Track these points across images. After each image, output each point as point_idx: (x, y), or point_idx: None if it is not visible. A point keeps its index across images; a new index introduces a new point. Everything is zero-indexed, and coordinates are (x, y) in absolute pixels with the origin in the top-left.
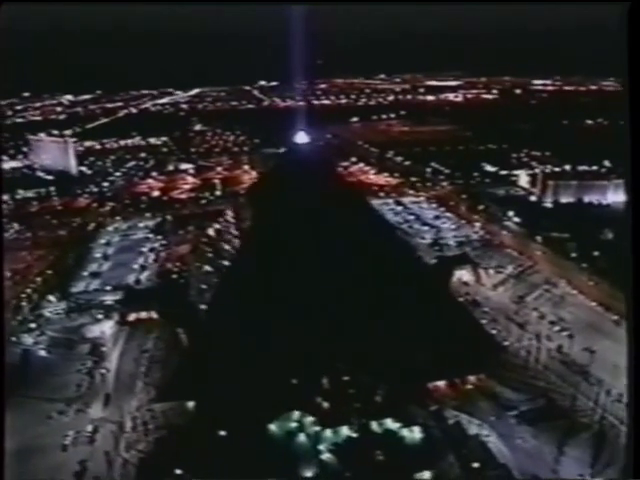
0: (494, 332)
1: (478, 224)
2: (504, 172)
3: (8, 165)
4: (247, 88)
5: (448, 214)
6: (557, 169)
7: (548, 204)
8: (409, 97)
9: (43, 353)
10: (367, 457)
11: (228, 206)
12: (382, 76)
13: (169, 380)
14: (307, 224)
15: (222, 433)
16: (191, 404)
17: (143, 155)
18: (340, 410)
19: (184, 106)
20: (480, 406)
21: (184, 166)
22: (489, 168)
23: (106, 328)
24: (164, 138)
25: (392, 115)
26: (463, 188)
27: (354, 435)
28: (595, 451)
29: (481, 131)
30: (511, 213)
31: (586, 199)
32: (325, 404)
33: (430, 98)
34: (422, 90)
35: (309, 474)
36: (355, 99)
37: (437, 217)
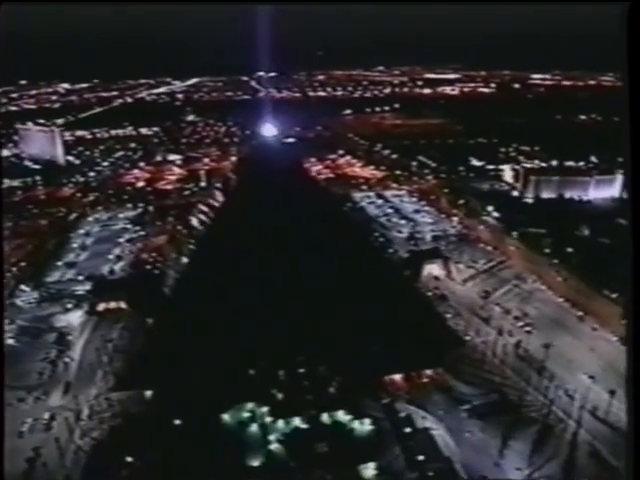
0: (457, 327)
1: (456, 218)
2: (490, 167)
3: None
4: (245, 79)
5: (428, 208)
6: (544, 164)
7: (529, 199)
8: (405, 90)
9: (10, 341)
10: (313, 448)
11: (206, 198)
12: (381, 68)
13: (129, 369)
14: (271, 217)
15: (177, 422)
16: (149, 393)
17: (133, 145)
18: (293, 402)
19: (180, 96)
20: (433, 400)
21: (172, 157)
22: (475, 162)
23: (74, 318)
24: (155, 128)
25: (386, 108)
26: (446, 182)
27: (303, 426)
28: (539, 445)
29: (473, 125)
30: (490, 208)
31: (567, 195)
32: (279, 395)
33: (426, 91)
34: (420, 83)
35: (256, 463)
36: (351, 91)
37: (417, 211)
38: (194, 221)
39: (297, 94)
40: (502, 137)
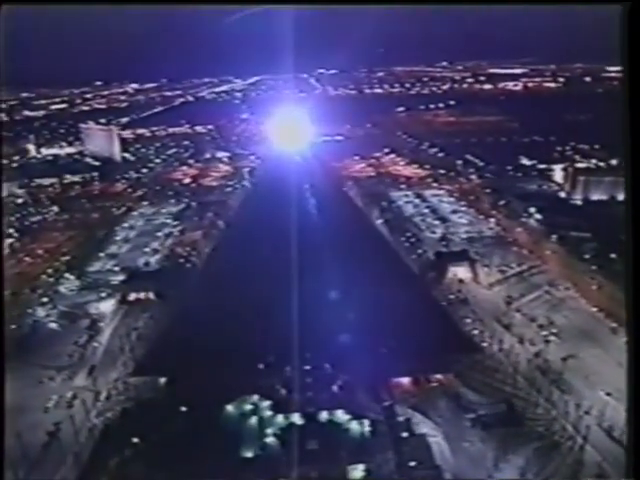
0: (474, 332)
1: (495, 220)
2: (541, 166)
3: (64, 151)
4: (304, 76)
5: (466, 208)
6: (602, 164)
7: (577, 201)
8: (465, 86)
9: (50, 325)
10: (306, 445)
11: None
12: (444, 64)
13: (147, 357)
14: (299, 215)
15: (183, 409)
16: (163, 380)
17: (186, 143)
18: (295, 398)
19: (238, 94)
20: (438, 405)
21: (220, 154)
22: (525, 162)
23: (107, 306)
24: (210, 126)
25: (440, 105)
26: (489, 182)
27: (299, 423)
28: (540, 462)
29: (530, 122)
30: (533, 209)
31: (620, 197)
32: (283, 391)
33: (487, 87)
34: (482, 79)
35: (249, 455)
36: (408, 88)
37: (455, 211)
38: (229, 217)
39: (353, 91)
40: (560, 135)
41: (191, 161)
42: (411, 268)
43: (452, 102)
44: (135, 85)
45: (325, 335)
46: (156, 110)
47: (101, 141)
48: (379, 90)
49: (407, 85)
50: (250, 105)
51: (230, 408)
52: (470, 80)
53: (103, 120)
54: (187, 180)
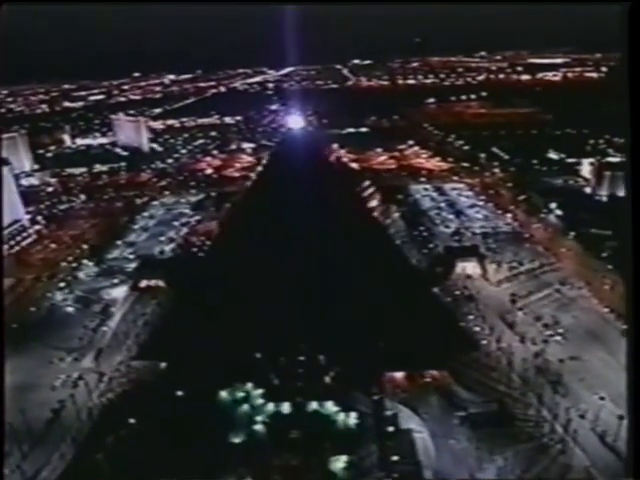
0: (476, 329)
1: (512, 215)
2: (570, 160)
3: (97, 142)
4: (338, 67)
5: (484, 203)
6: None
7: (602, 197)
8: (501, 76)
9: (66, 309)
10: (291, 434)
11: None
12: (482, 54)
13: (150, 342)
14: (310, 207)
15: (179, 393)
16: (163, 364)
17: (213, 134)
18: (287, 387)
19: (270, 85)
20: (429, 402)
21: (245, 145)
22: (553, 155)
23: (120, 292)
24: (238, 117)
25: (472, 96)
26: (512, 176)
27: (287, 412)
28: (526, 464)
29: (564, 114)
30: (554, 205)
31: None
32: (276, 380)
33: (524, 77)
34: (519, 69)
35: (237, 440)
36: (442, 78)
37: (472, 205)
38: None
39: (385, 82)
40: (595, 127)
41: (216, 152)
42: (415, 263)
43: (485, 93)
44: (172, 76)
45: (322, 327)
46: (188, 101)
47: (130, 132)
48: (412, 81)
49: (441, 76)
50: (281, 96)
51: (223, 394)
52: (508, 70)
53: (137, 111)
54: (209, 171)
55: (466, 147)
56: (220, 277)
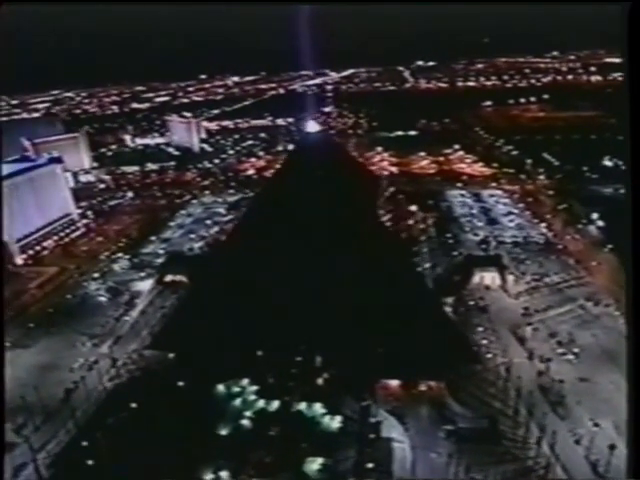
0: (482, 342)
1: (547, 224)
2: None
3: (154, 141)
4: (400, 69)
5: (521, 211)
6: None
7: None
8: (570, 77)
9: (97, 298)
10: (271, 432)
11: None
12: (555, 53)
13: (164, 333)
14: (311, 212)
15: (180, 383)
16: (171, 355)
17: (262, 135)
18: (279, 386)
19: (329, 87)
20: (418, 412)
21: (291, 147)
22: (607, 162)
23: (146, 285)
24: (290, 119)
25: (533, 99)
26: (556, 183)
27: (273, 410)
28: None
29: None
30: (595, 215)
31: None
32: (271, 378)
33: (595, 78)
34: (593, 69)
35: (223, 432)
36: (505, 80)
37: (508, 213)
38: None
39: (444, 84)
40: None
41: (262, 153)
42: (431, 270)
43: (547, 96)
44: (235, 78)
45: (324, 329)
46: (246, 103)
47: (182, 132)
48: (472, 83)
49: (505, 77)
50: (335, 99)
51: (220, 388)
52: (580, 71)
53: (196, 112)
54: (251, 171)
55: (514, 152)
56: (234, 276)
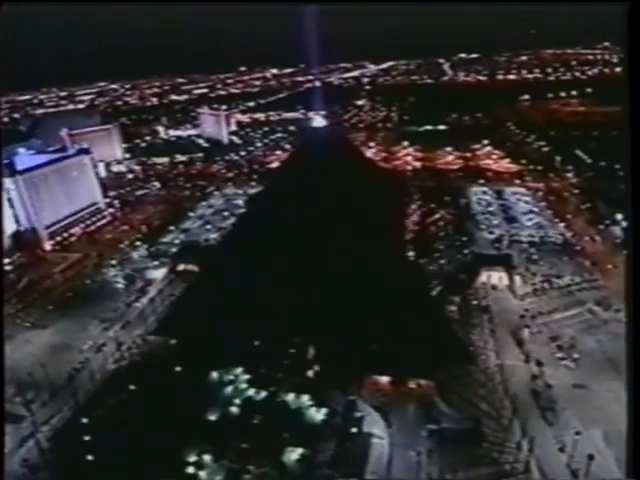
0: (479, 343)
1: (567, 224)
2: None
3: (186, 133)
4: (441, 61)
5: (539, 209)
6: None
7: None
8: (618, 70)
9: (114, 284)
10: (254, 420)
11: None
12: (606, 44)
13: (169, 320)
14: (312, 205)
15: (177, 369)
16: (173, 341)
17: (291, 128)
18: (270, 376)
19: (366, 79)
20: (403, 409)
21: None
22: None
23: (160, 273)
24: (322, 112)
25: (574, 93)
26: (582, 182)
27: (259, 399)
28: None
29: None
30: (620, 216)
31: None
32: (263, 368)
33: None
34: None
35: (212, 418)
36: (548, 73)
37: (529, 212)
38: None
39: (483, 77)
40: None
41: (288, 146)
42: (437, 268)
43: (590, 89)
44: (274, 70)
45: (321, 323)
46: (281, 95)
47: (212, 124)
48: (513, 76)
49: (549, 70)
50: (370, 91)
51: (214, 375)
52: None
53: (232, 104)
54: (275, 164)
55: (545, 148)
56: (237, 268)
